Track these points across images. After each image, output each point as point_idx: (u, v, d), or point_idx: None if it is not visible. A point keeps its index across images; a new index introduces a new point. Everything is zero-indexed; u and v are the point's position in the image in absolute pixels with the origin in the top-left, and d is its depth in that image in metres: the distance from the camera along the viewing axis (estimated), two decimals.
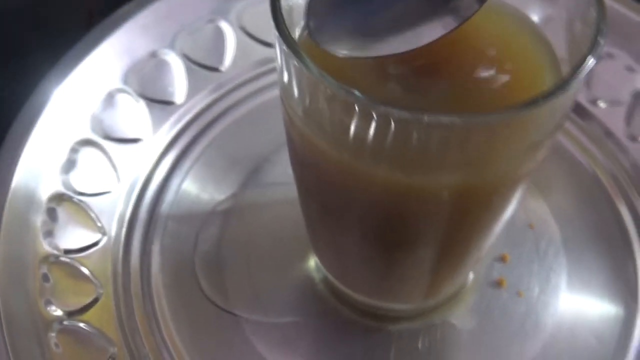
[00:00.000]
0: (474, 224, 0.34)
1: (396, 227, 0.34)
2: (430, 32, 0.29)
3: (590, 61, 0.26)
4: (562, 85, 0.26)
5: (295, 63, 0.27)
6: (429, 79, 0.31)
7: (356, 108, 0.26)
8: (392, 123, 0.26)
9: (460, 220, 0.33)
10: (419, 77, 0.31)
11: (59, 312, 0.40)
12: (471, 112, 0.26)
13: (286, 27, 0.28)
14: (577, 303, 0.43)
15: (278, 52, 0.29)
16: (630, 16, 0.51)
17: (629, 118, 0.49)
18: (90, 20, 0.62)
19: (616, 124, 0.49)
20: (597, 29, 0.27)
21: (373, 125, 0.27)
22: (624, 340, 0.41)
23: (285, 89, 0.30)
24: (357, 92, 0.26)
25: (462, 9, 0.29)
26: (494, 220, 0.35)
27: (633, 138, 0.49)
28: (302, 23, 0.32)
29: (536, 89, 0.28)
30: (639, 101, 0.49)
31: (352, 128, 0.27)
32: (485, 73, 0.31)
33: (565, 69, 0.31)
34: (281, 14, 0.28)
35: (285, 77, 0.30)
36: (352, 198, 0.33)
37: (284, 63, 0.29)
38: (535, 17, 0.33)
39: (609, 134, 0.49)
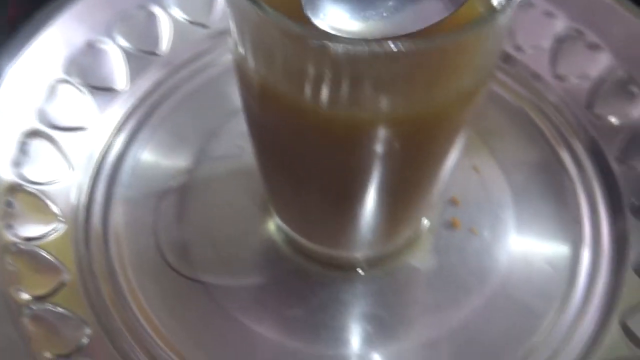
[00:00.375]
0: (422, 165, 0.36)
1: (351, 172, 0.35)
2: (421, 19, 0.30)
3: None
4: (500, 9, 0.28)
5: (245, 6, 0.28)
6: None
7: (306, 43, 0.27)
8: (342, 56, 0.27)
9: (409, 162, 0.35)
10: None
11: (29, 297, 0.40)
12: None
13: None
14: (528, 235, 0.45)
15: (230, 6, 0.30)
16: None
17: (553, 60, 0.52)
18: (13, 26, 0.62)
19: (542, 66, 0.52)
20: None
21: (324, 60, 0.28)
22: (575, 263, 0.44)
23: (237, 43, 0.31)
24: (304, 26, 0.27)
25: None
26: (440, 162, 0.37)
27: (559, 77, 0.52)
28: None
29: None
30: (560, 44, 0.52)
31: (305, 66, 0.28)
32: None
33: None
34: None
35: (237, 35, 0.31)
36: (309, 147, 0.34)
37: (233, 14, 0.30)
38: None
39: (536, 76, 0.52)
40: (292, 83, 0.30)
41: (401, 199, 0.39)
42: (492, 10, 0.28)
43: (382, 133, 0.32)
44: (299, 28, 0.27)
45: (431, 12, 0.30)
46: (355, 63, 0.28)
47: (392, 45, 0.26)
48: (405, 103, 0.30)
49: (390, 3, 0.30)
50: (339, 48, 0.27)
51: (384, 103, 0.30)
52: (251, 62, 0.31)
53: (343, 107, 0.30)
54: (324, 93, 0.29)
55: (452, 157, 0.37)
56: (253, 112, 0.36)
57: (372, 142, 0.32)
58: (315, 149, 0.34)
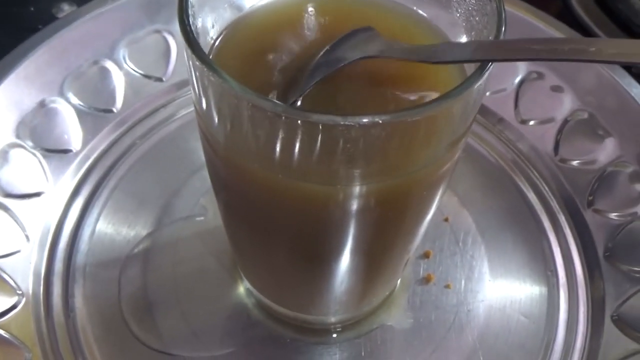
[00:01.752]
0: (400, 227, 0.35)
1: (325, 238, 0.34)
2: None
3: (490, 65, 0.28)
4: (472, 77, 0.27)
5: (212, 78, 0.26)
6: (345, 90, 0.32)
7: (276, 117, 0.26)
8: (315, 129, 0.26)
9: (387, 225, 0.34)
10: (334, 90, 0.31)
11: None
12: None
13: (200, 48, 0.27)
14: (503, 286, 0.45)
15: (194, 74, 0.28)
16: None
17: (516, 103, 0.52)
18: None
19: (506, 110, 0.52)
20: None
21: (296, 133, 0.27)
22: (552, 314, 0.43)
23: (204, 114, 0.30)
24: (274, 100, 0.26)
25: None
26: (420, 221, 0.36)
27: (523, 121, 0.51)
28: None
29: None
30: (523, 87, 0.52)
31: (272, 137, 0.27)
32: (399, 82, 0.32)
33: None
34: (192, 31, 0.28)
35: (204, 103, 0.29)
36: (280, 212, 0.33)
37: (199, 85, 0.28)
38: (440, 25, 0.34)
39: (501, 120, 0.52)
40: (260, 152, 0.29)
41: (377, 261, 0.38)
42: (467, 78, 0.28)
43: (355, 202, 0.31)
44: (269, 103, 0.26)
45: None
46: (326, 135, 0.27)
47: (366, 118, 0.25)
48: (380, 172, 0.29)
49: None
50: (312, 121, 0.26)
51: (357, 173, 0.29)
52: (214, 122, 0.30)
53: (312, 177, 0.29)
54: (294, 163, 0.28)
55: (429, 215, 0.36)
56: (217, 172, 0.34)
57: (344, 210, 0.31)
58: (285, 215, 0.33)
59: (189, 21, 0.28)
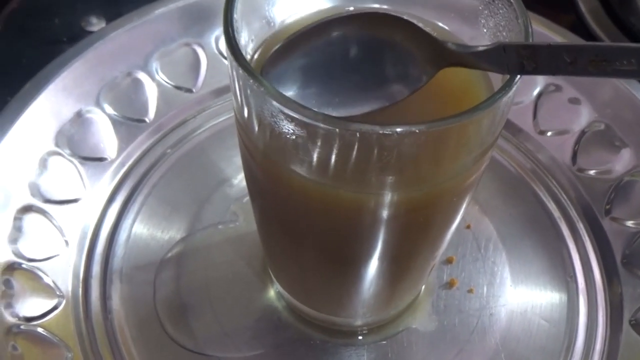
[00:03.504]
0: (428, 234, 0.37)
1: (355, 243, 0.35)
2: (380, 101, 0.32)
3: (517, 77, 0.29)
4: (504, 88, 0.29)
5: (254, 86, 0.28)
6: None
7: (315, 126, 0.28)
8: (352, 139, 0.28)
9: (415, 233, 0.35)
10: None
11: None
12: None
13: (244, 59, 0.29)
14: (524, 292, 0.46)
15: (237, 83, 0.30)
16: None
17: (535, 114, 0.53)
18: None
19: (525, 122, 0.53)
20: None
21: (333, 142, 0.28)
22: (572, 318, 0.45)
23: (245, 122, 0.32)
24: (320, 110, 0.28)
25: (412, 80, 0.32)
26: (447, 229, 0.38)
27: (541, 132, 0.53)
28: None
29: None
30: (541, 99, 0.54)
31: (311, 147, 0.29)
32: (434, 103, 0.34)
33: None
34: (237, 44, 0.29)
35: (245, 111, 0.31)
36: (313, 218, 0.34)
37: (242, 94, 0.30)
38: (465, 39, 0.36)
39: (520, 131, 0.53)
40: (298, 159, 0.30)
41: (404, 267, 0.39)
42: (497, 91, 0.29)
43: (387, 209, 0.32)
44: (310, 112, 0.27)
45: (393, 93, 0.32)
46: (363, 144, 0.28)
47: (403, 128, 0.27)
48: (411, 181, 0.31)
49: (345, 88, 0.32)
50: (350, 130, 0.27)
51: (390, 182, 0.30)
52: (255, 129, 0.31)
53: (349, 185, 0.31)
54: (330, 171, 0.30)
55: (456, 223, 0.37)
56: (255, 178, 0.36)
57: (376, 217, 0.33)
58: (318, 220, 0.34)
59: (233, 34, 0.30)
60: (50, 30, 0.64)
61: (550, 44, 0.28)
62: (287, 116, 0.28)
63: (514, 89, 0.29)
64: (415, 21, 0.34)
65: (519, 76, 0.29)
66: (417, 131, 0.27)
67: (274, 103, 0.28)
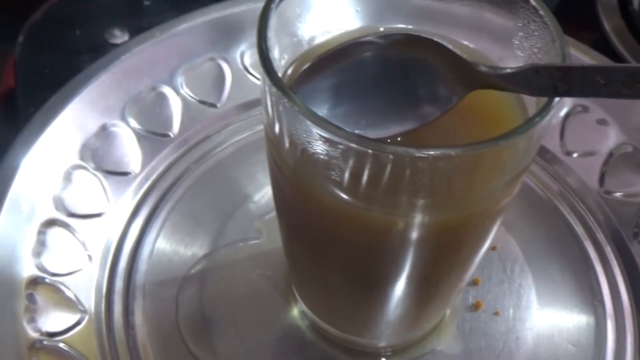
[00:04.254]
0: (456, 258, 0.36)
1: (383, 264, 0.35)
2: (410, 122, 0.32)
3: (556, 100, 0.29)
4: (542, 111, 0.28)
5: (287, 105, 0.28)
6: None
7: (348, 146, 0.27)
8: (387, 160, 0.27)
9: (444, 255, 0.35)
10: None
11: None
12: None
13: (278, 77, 0.29)
14: (550, 315, 0.45)
15: (268, 100, 0.30)
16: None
17: (562, 135, 0.53)
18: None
19: (552, 142, 0.53)
20: None
21: (365, 162, 0.28)
22: (600, 343, 0.44)
23: (276, 139, 0.31)
24: (350, 130, 0.27)
25: (442, 102, 0.32)
26: (476, 253, 0.37)
27: (568, 153, 0.53)
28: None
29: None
30: (568, 119, 0.53)
31: (343, 167, 0.29)
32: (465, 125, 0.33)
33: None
34: (270, 61, 0.29)
35: (276, 128, 0.31)
36: (341, 237, 0.34)
37: (274, 111, 0.30)
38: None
39: (547, 152, 0.53)
40: (329, 179, 0.30)
41: (431, 289, 0.39)
42: (535, 114, 0.29)
43: (417, 231, 0.32)
44: (342, 132, 0.27)
45: (423, 114, 0.32)
46: (396, 166, 0.28)
47: (439, 151, 0.26)
48: (443, 204, 0.31)
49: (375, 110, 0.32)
50: (384, 152, 0.27)
51: (421, 204, 0.30)
52: (285, 146, 0.31)
53: (379, 206, 0.31)
54: (361, 191, 0.30)
55: (485, 247, 0.37)
56: (283, 194, 0.36)
57: (405, 239, 0.32)
58: (346, 240, 0.34)
59: (267, 51, 0.30)
60: (72, 41, 0.64)
61: (584, 65, 0.28)
62: (320, 136, 0.28)
63: (551, 112, 0.29)
64: (444, 42, 0.34)
65: (557, 99, 0.29)
66: (453, 154, 0.27)
67: (307, 122, 0.28)
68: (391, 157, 0.27)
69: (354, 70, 0.33)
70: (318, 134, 0.28)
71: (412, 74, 0.33)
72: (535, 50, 0.33)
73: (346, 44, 0.32)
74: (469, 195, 0.31)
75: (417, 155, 0.27)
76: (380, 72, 0.33)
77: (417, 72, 0.33)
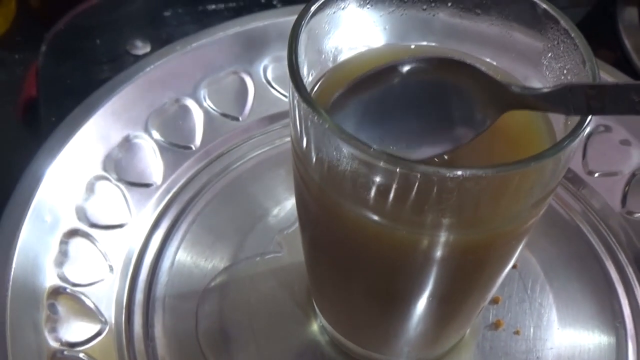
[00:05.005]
0: (479, 277, 0.36)
1: (406, 282, 0.35)
2: (443, 145, 0.32)
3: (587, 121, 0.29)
4: (573, 133, 0.28)
5: (316, 121, 0.28)
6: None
7: (377, 164, 0.27)
8: (415, 180, 0.27)
9: (467, 275, 0.35)
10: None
11: None
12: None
13: (307, 92, 0.29)
14: (571, 335, 0.45)
15: (297, 114, 0.30)
16: None
17: (584, 155, 0.53)
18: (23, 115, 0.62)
19: (574, 162, 0.53)
20: None
21: (393, 181, 0.28)
22: None
23: (302, 153, 0.32)
24: (378, 141, 0.27)
25: (475, 124, 0.32)
26: (498, 273, 0.37)
27: (590, 172, 0.52)
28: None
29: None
30: (591, 139, 0.53)
31: (370, 184, 0.29)
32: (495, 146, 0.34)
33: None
34: (300, 76, 0.29)
35: (304, 142, 0.31)
36: (364, 254, 0.34)
37: (302, 126, 0.30)
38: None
39: (569, 171, 0.52)
40: (355, 195, 0.30)
41: (453, 308, 0.39)
42: (566, 136, 0.29)
43: (442, 250, 0.32)
44: (371, 150, 0.27)
45: (456, 137, 0.32)
46: (423, 185, 0.28)
47: (470, 171, 0.27)
48: (469, 224, 0.31)
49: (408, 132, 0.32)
50: (413, 171, 0.27)
51: (447, 224, 0.30)
52: (312, 161, 0.31)
53: (405, 225, 0.31)
54: (388, 209, 0.30)
55: (508, 267, 0.37)
56: (308, 209, 0.36)
57: (429, 257, 0.32)
58: (370, 257, 0.34)
59: (297, 66, 0.30)
60: (93, 51, 0.65)
61: (618, 83, 0.28)
62: (349, 153, 0.28)
63: (583, 133, 0.29)
64: (470, 60, 0.34)
65: (588, 120, 0.29)
66: (483, 175, 0.27)
67: (336, 139, 0.28)
68: (419, 176, 0.27)
69: (386, 95, 0.33)
70: (346, 151, 0.28)
71: (445, 97, 0.33)
72: (565, 71, 0.33)
73: (378, 68, 0.32)
74: (496, 217, 0.31)
75: (447, 175, 0.27)
76: (413, 95, 0.33)
77: (450, 95, 0.33)
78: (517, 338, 0.45)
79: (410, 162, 0.27)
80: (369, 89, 0.32)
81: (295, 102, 0.30)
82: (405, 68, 0.32)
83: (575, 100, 0.29)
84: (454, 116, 0.32)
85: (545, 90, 0.30)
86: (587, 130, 0.52)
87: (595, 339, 0.45)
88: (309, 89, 0.34)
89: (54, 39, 0.65)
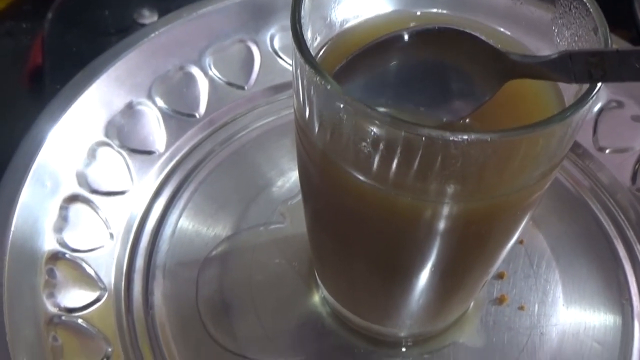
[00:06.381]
0: (483, 249, 0.36)
1: (409, 252, 0.35)
2: (446, 116, 0.31)
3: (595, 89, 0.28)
4: (582, 99, 0.27)
5: (319, 83, 0.27)
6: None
7: (381, 127, 0.27)
8: (419, 143, 0.27)
9: (470, 246, 0.34)
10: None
11: None
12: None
13: (311, 55, 0.28)
14: (576, 312, 0.45)
15: (300, 81, 0.29)
16: None
17: (595, 130, 0.52)
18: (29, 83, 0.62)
19: (585, 138, 0.52)
20: None
21: (397, 145, 0.27)
22: (626, 342, 0.43)
23: (305, 121, 0.31)
24: (383, 110, 0.27)
25: (478, 93, 0.31)
26: (502, 245, 0.36)
27: (600, 149, 0.51)
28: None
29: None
30: (602, 115, 0.52)
31: (374, 149, 0.28)
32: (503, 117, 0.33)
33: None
34: (304, 40, 0.29)
35: (307, 109, 0.30)
36: (368, 223, 0.33)
37: (305, 91, 0.29)
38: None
39: (579, 147, 0.52)
40: (359, 162, 0.29)
41: (456, 280, 0.38)
42: (573, 103, 0.28)
43: (445, 219, 0.31)
44: (374, 112, 0.26)
45: (460, 107, 0.31)
46: (428, 150, 0.27)
47: (474, 135, 0.26)
48: (473, 191, 0.30)
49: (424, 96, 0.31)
50: (417, 134, 0.26)
51: (452, 191, 0.29)
52: (315, 129, 0.30)
53: (409, 192, 0.30)
54: (391, 176, 0.29)
55: (512, 241, 0.36)
56: (310, 179, 0.35)
57: (433, 227, 0.32)
58: (373, 226, 0.33)
59: (300, 30, 0.29)
60: (100, 21, 0.64)
61: (618, 49, 0.27)
62: (352, 115, 0.27)
63: (590, 102, 0.28)
64: (480, 29, 0.33)
65: (596, 89, 0.28)
66: (488, 140, 0.26)
67: (339, 100, 0.27)
68: (423, 140, 0.27)
69: (387, 68, 0.32)
70: (350, 113, 0.28)
71: (447, 68, 0.32)
72: (576, 38, 0.32)
73: (378, 40, 0.32)
74: (500, 186, 0.30)
75: (451, 139, 0.26)
76: (415, 67, 0.32)
77: (452, 65, 0.32)
78: (521, 314, 0.44)
79: (414, 124, 0.26)
80: (369, 62, 0.31)
81: (298, 65, 0.29)
82: (406, 39, 0.31)
83: (577, 67, 0.28)
84: (456, 86, 0.32)
85: (545, 58, 0.30)
86: (599, 105, 0.52)
87: (601, 316, 0.44)
88: (313, 54, 0.34)
89: (61, 7, 0.64)
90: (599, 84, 0.28)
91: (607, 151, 0.51)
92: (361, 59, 0.32)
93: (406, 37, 0.32)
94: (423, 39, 0.32)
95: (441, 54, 0.32)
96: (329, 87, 0.27)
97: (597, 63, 0.28)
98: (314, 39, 0.34)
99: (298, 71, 0.29)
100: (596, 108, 0.52)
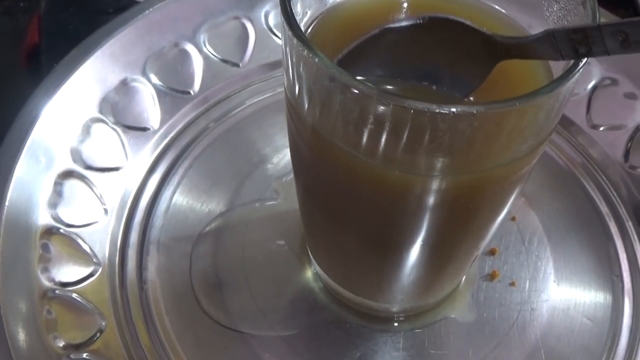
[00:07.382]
0: (473, 223, 0.36)
1: (399, 226, 0.35)
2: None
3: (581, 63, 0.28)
4: (567, 73, 0.28)
5: (308, 56, 0.27)
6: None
7: (368, 99, 0.27)
8: (406, 115, 0.27)
9: (460, 220, 0.34)
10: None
11: (67, 346, 0.40)
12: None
13: (299, 29, 0.28)
14: (567, 288, 0.45)
15: (289, 57, 0.29)
16: None
17: (588, 108, 0.52)
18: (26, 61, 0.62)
19: (578, 115, 0.52)
20: None
21: (385, 118, 0.27)
22: (616, 318, 0.44)
23: (295, 96, 0.31)
24: (372, 84, 0.27)
25: (470, 78, 0.32)
26: (492, 220, 0.37)
27: (594, 126, 0.51)
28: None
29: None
30: (596, 92, 0.52)
31: (363, 123, 0.28)
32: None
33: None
34: (292, 14, 0.29)
35: (296, 85, 0.30)
36: (358, 197, 0.33)
37: (294, 66, 0.29)
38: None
39: (572, 124, 0.52)
40: (348, 137, 0.30)
41: (446, 255, 0.38)
42: (558, 77, 0.28)
43: (434, 193, 0.31)
44: (362, 84, 0.26)
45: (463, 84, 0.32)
46: (416, 122, 0.27)
47: (460, 108, 0.26)
48: (462, 165, 0.30)
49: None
50: (404, 106, 0.26)
51: (440, 164, 0.29)
52: (305, 104, 0.30)
53: (398, 165, 0.30)
54: (380, 149, 0.29)
55: (502, 215, 0.36)
56: (301, 155, 0.35)
57: (423, 200, 0.32)
58: (364, 200, 0.34)
59: (289, 4, 0.29)
60: (96, 0, 0.64)
61: (600, 24, 0.27)
62: (340, 88, 0.28)
63: (576, 75, 0.28)
64: (474, 7, 0.33)
65: (582, 63, 0.28)
66: (474, 112, 0.26)
67: (328, 73, 0.27)
68: (411, 112, 0.27)
69: (379, 59, 0.33)
70: (338, 86, 0.28)
71: (438, 54, 0.32)
72: (565, 12, 0.32)
73: (370, 35, 0.32)
74: (488, 158, 0.30)
75: (438, 111, 0.26)
76: (405, 56, 0.33)
77: (443, 54, 0.32)
78: (512, 289, 0.44)
79: (401, 96, 0.26)
80: (361, 56, 0.32)
81: (287, 41, 0.29)
82: (396, 30, 0.32)
83: (562, 45, 0.28)
84: (448, 72, 0.32)
85: (531, 37, 0.30)
86: (592, 83, 0.52)
87: (592, 292, 0.45)
88: (303, 29, 0.34)
89: None
90: (585, 59, 0.28)
91: (601, 129, 0.51)
92: (354, 54, 0.32)
93: (396, 28, 0.32)
94: (412, 29, 0.32)
95: (431, 43, 0.32)
96: (316, 60, 0.27)
97: (580, 39, 0.28)
98: (304, 13, 0.34)
99: (287, 48, 0.29)
100: (590, 85, 0.52)
